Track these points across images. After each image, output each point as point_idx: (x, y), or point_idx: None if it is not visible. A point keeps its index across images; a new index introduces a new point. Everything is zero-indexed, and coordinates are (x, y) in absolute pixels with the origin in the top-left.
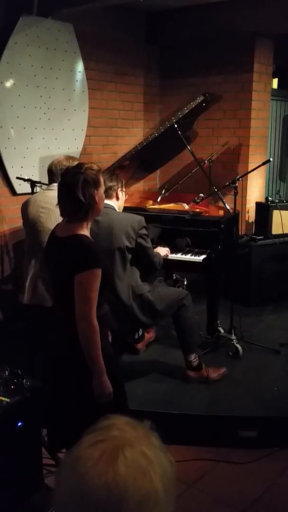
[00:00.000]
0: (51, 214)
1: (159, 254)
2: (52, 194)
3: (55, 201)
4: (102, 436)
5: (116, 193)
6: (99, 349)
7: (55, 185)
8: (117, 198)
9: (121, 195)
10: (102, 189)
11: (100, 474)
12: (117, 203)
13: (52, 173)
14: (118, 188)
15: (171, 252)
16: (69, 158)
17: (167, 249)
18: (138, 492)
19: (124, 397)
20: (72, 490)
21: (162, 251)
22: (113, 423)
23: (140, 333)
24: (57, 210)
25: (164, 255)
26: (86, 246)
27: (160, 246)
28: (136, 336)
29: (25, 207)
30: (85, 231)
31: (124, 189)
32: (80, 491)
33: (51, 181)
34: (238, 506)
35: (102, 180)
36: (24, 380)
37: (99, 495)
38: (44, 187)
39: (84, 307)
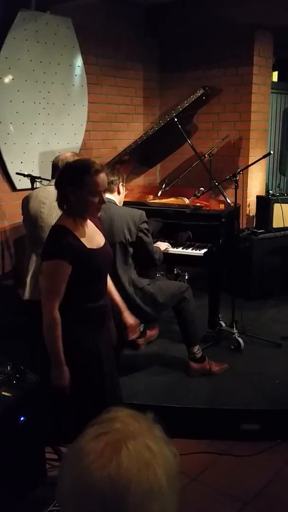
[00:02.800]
0: (52, 210)
1: (159, 249)
2: (53, 189)
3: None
4: (105, 428)
5: (118, 187)
6: (58, 342)
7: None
8: (118, 193)
9: (122, 189)
10: (85, 190)
11: (104, 467)
12: (118, 198)
13: (58, 168)
14: (119, 182)
15: (173, 246)
16: (75, 155)
17: (168, 244)
18: (141, 484)
19: (106, 397)
20: (75, 483)
21: (162, 246)
22: (116, 416)
23: (142, 329)
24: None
25: (164, 250)
26: (54, 236)
27: (160, 241)
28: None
29: (26, 203)
30: (70, 224)
31: (124, 184)
32: (83, 483)
33: (54, 176)
34: (241, 499)
35: (89, 180)
36: (26, 375)
37: (102, 488)
38: (44, 182)
39: (44, 297)
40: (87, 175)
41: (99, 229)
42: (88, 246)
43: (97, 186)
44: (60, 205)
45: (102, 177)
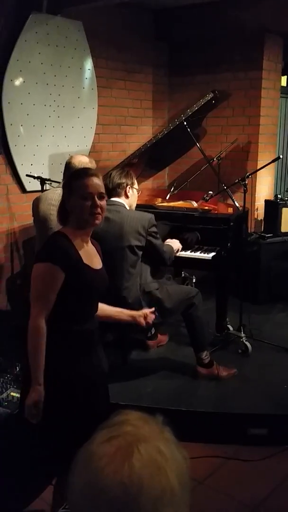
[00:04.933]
0: None
1: (171, 247)
2: None
3: None
4: (115, 432)
5: (125, 191)
6: (39, 356)
7: None
8: (126, 196)
9: (132, 192)
10: (77, 194)
11: (116, 471)
12: (127, 201)
13: (70, 169)
14: (127, 186)
15: (180, 250)
16: (90, 159)
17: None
18: (154, 488)
19: (80, 436)
20: (86, 487)
21: (175, 244)
22: (126, 419)
23: (153, 331)
24: None
25: (177, 249)
26: (51, 240)
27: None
28: (149, 334)
29: (36, 204)
30: (69, 233)
31: (135, 186)
32: (95, 488)
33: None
34: (248, 504)
35: (80, 183)
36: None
37: (114, 492)
38: (54, 184)
39: (32, 302)
40: (77, 179)
41: (99, 254)
42: (86, 262)
43: (86, 188)
44: (60, 218)
45: (94, 180)
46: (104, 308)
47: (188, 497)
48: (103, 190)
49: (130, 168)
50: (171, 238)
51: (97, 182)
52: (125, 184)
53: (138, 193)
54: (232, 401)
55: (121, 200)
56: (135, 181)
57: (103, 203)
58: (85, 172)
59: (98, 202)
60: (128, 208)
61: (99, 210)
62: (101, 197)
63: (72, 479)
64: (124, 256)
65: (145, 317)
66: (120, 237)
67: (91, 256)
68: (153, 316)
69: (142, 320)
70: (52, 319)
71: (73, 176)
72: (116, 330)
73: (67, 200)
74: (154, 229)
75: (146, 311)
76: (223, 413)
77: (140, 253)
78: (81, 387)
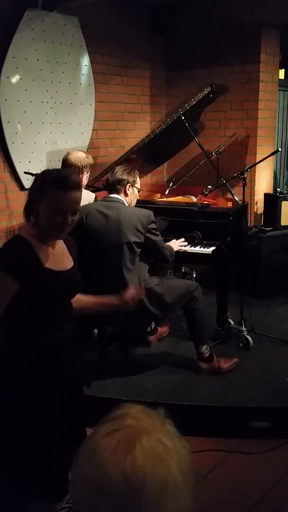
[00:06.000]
0: None
1: (171, 247)
2: None
3: None
4: (117, 425)
5: (125, 188)
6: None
7: None
8: (126, 194)
9: (131, 191)
10: (49, 204)
11: (118, 464)
12: (126, 199)
13: (67, 165)
14: (127, 183)
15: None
16: (87, 157)
17: (179, 243)
18: (157, 480)
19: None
20: (89, 480)
21: (175, 245)
22: (128, 412)
23: (153, 326)
24: None
25: (178, 249)
26: (7, 245)
27: (171, 239)
28: (149, 329)
29: None
30: (31, 236)
31: (137, 186)
32: (98, 481)
33: None
34: (252, 496)
35: (56, 194)
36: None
37: (118, 485)
38: None
39: None
40: (55, 190)
41: (71, 252)
42: (48, 265)
43: (61, 203)
44: (26, 214)
45: (72, 195)
46: (84, 300)
47: (191, 488)
48: (78, 205)
49: (128, 164)
50: (171, 233)
51: (76, 197)
52: (125, 182)
53: (139, 193)
54: (233, 394)
55: (120, 197)
56: (138, 180)
57: (74, 218)
58: (65, 185)
59: (70, 219)
60: (126, 204)
61: (68, 227)
62: (74, 213)
63: (74, 473)
64: (123, 252)
65: (133, 298)
66: (118, 233)
67: (58, 257)
68: (141, 292)
69: (129, 301)
70: (17, 329)
71: (51, 184)
72: (117, 325)
73: (36, 204)
74: (153, 225)
75: (130, 291)
76: (224, 407)
77: (139, 250)
78: (57, 398)
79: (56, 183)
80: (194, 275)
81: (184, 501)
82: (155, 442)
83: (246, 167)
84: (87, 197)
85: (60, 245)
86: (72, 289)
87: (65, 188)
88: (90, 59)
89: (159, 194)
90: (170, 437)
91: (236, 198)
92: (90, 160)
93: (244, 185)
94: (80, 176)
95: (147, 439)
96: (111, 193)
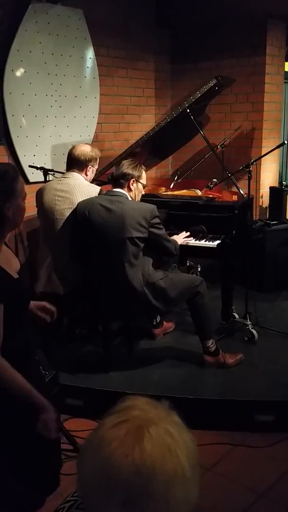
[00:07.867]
0: (67, 202)
1: (175, 240)
2: (69, 182)
3: (72, 189)
4: (124, 416)
5: (129, 183)
6: (16, 383)
7: (71, 174)
8: (129, 189)
9: (135, 186)
10: (19, 199)
11: (127, 454)
12: (129, 194)
13: (74, 159)
14: (131, 178)
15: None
16: (92, 148)
17: (185, 237)
18: (166, 470)
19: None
20: (98, 472)
21: (180, 239)
22: (133, 404)
23: (158, 319)
24: (73, 199)
25: (182, 243)
26: None
27: (176, 233)
28: (154, 322)
29: (40, 196)
30: None
31: (142, 181)
32: (106, 472)
33: (69, 168)
34: (257, 490)
35: (19, 185)
36: (40, 367)
37: (126, 476)
38: (57, 175)
39: None
40: (18, 181)
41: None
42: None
43: (23, 189)
44: None
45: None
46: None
47: (198, 478)
48: None
49: (133, 157)
50: (176, 227)
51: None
52: (129, 176)
53: (144, 188)
54: (238, 388)
55: (123, 191)
56: (143, 176)
57: None
58: (16, 173)
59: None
60: (129, 199)
61: None
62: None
63: (81, 465)
64: (126, 247)
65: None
66: (121, 228)
67: (10, 260)
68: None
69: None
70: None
71: (12, 179)
72: (122, 319)
73: (3, 204)
74: (156, 220)
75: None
76: (230, 400)
77: (142, 245)
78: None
79: (13, 178)
80: (199, 269)
81: (192, 490)
82: (163, 432)
83: (252, 160)
84: (92, 190)
85: (5, 247)
86: (27, 293)
87: (18, 176)
88: (94, 52)
89: (164, 188)
90: (177, 427)
91: (241, 192)
92: (95, 153)
93: (249, 179)
94: (85, 170)
95: (155, 429)
96: (115, 187)
